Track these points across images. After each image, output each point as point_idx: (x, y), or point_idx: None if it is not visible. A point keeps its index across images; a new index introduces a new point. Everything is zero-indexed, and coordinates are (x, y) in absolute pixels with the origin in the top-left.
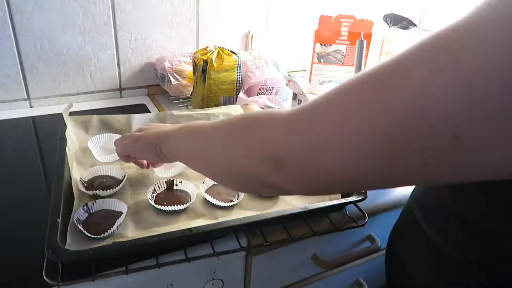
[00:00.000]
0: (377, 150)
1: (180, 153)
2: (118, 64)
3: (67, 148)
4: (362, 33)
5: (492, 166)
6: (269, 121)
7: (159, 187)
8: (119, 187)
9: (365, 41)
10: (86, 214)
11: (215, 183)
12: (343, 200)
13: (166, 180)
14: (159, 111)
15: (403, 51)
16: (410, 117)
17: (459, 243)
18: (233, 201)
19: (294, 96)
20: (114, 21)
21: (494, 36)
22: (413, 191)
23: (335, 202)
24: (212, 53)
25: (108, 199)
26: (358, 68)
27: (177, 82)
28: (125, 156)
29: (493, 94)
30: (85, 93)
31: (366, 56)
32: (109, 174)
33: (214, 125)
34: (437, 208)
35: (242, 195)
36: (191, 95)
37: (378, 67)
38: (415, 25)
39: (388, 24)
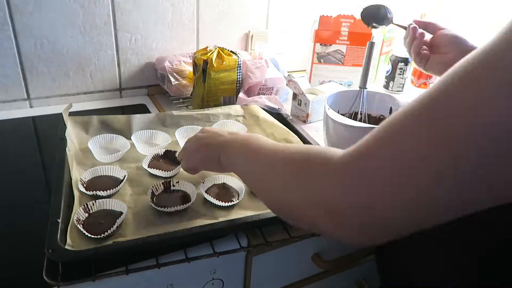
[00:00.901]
0: (438, 177)
1: (237, 169)
2: (118, 64)
3: (67, 148)
4: (373, 35)
5: None
6: (326, 166)
7: (156, 189)
8: (119, 187)
9: (375, 43)
10: (86, 214)
11: (215, 183)
12: None
13: (162, 181)
14: (159, 111)
15: (443, 77)
16: (474, 136)
17: (455, 230)
18: (233, 201)
19: (294, 96)
20: (114, 21)
21: None
22: None
23: None
24: (212, 53)
25: (108, 199)
26: (366, 69)
27: (177, 82)
28: (192, 169)
29: None
30: (85, 93)
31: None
32: (109, 174)
33: (272, 153)
34: None
35: (242, 195)
36: (191, 95)
37: (423, 96)
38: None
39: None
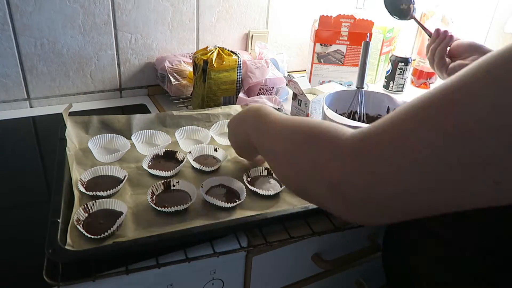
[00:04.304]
0: (444, 168)
1: (258, 147)
2: (118, 64)
3: (67, 148)
4: (368, 34)
5: None
6: (334, 144)
7: (156, 189)
8: (119, 187)
9: (370, 43)
10: (86, 214)
11: (215, 184)
12: None
13: (162, 181)
14: (159, 111)
15: (462, 72)
16: (481, 133)
17: (459, 233)
18: (236, 201)
19: (294, 96)
20: (114, 21)
21: None
22: None
23: None
24: (212, 53)
25: (108, 199)
26: (362, 69)
27: (177, 82)
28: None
29: None
30: (85, 93)
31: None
32: (109, 174)
33: (281, 127)
34: None
35: (243, 195)
36: (191, 95)
37: (443, 87)
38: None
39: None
